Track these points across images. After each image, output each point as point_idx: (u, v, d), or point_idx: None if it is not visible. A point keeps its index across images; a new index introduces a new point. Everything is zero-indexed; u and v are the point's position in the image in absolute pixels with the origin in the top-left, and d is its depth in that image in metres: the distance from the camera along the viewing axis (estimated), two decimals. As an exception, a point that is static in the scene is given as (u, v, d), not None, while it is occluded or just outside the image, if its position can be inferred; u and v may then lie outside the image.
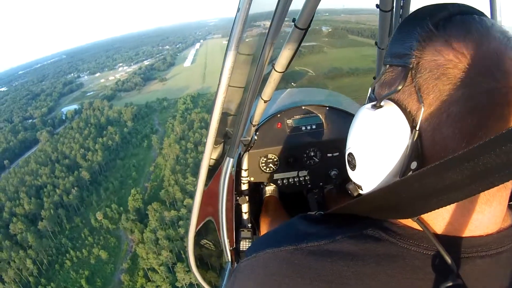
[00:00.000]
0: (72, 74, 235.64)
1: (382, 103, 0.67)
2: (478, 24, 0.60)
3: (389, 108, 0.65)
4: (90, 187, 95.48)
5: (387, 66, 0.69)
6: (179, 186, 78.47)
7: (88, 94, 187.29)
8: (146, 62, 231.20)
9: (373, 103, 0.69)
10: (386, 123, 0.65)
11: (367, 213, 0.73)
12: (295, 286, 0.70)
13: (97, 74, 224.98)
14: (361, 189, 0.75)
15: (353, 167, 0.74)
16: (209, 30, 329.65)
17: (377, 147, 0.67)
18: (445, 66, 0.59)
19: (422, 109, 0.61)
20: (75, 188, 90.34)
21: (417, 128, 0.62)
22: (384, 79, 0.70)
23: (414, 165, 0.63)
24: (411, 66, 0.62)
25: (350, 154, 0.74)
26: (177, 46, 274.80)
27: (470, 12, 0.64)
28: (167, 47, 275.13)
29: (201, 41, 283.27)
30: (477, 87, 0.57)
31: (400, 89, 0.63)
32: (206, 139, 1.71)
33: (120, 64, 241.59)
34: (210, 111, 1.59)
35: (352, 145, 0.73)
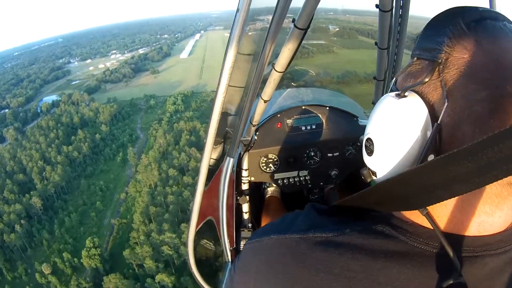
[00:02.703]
0: (63, 59, 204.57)
1: (406, 94, 0.64)
2: (508, 31, 0.59)
3: (413, 99, 0.62)
4: (44, 216, 68.23)
5: (415, 58, 0.65)
6: (151, 246, 51.22)
7: (73, 83, 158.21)
8: (140, 51, 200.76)
9: (397, 92, 0.66)
10: (408, 113, 0.62)
11: (376, 204, 0.69)
12: (300, 276, 0.66)
13: (88, 61, 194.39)
14: (375, 176, 0.72)
15: (370, 152, 0.70)
16: (211, 21, 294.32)
17: (397, 135, 0.63)
18: (473, 66, 0.56)
19: (446, 104, 0.57)
20: (22, 220, 62.96)
21: (439, 122, 0.59)
22: (410, 71, 0.66)
23: (431, 157, 0.59)
24: (439, 61, 0.59)
25: (369, 140, 0.70)
26: (176, 35, 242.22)
27: (500, 19, 0.61)
28: (166, 36, 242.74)
29: (202, 31, 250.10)
30: (502, 90, 0.54)
31: (426, 82, 0.60)
32: (206, 139, 1.61)
33: (114, 51, 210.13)
34: (210, 111, 1.51)
35: (372, 131, 0.69)
